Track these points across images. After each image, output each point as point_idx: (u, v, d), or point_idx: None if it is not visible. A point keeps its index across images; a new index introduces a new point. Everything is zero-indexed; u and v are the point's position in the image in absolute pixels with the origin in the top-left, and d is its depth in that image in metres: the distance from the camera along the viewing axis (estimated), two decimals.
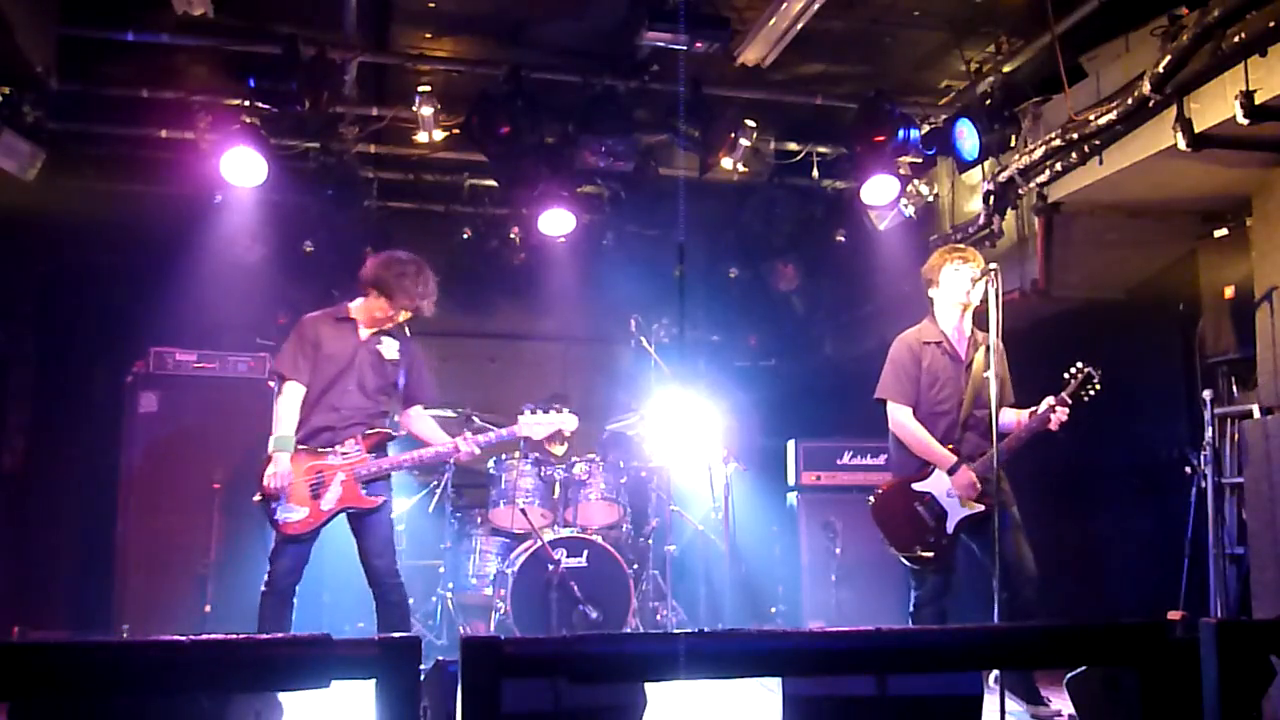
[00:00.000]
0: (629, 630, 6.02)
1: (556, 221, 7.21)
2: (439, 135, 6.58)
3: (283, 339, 5.05)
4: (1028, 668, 4.40)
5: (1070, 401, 4.60)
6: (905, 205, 7.05)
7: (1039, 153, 5.83)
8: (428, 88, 6.40)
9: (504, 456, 6.54)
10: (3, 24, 5.21)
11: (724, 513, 6.60)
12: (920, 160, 6.80)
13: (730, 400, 7.56)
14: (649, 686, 3.13)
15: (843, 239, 7.86)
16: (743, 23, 5.81)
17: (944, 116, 6.48)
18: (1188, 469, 5.70)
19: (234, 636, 2.06)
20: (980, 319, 4.66)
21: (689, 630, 2.84)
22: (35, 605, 6.87)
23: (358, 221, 7.45)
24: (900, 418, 4.82)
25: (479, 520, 6.64)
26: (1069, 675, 3.59)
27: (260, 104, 6.05)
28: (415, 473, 6.85)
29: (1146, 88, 4.95)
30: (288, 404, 4.79)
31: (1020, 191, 6.15)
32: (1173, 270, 6.38)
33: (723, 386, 7.82)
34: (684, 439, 6.73)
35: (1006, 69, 6.12)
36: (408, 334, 5.13)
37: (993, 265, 4.49)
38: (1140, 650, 2.31)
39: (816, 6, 5.41)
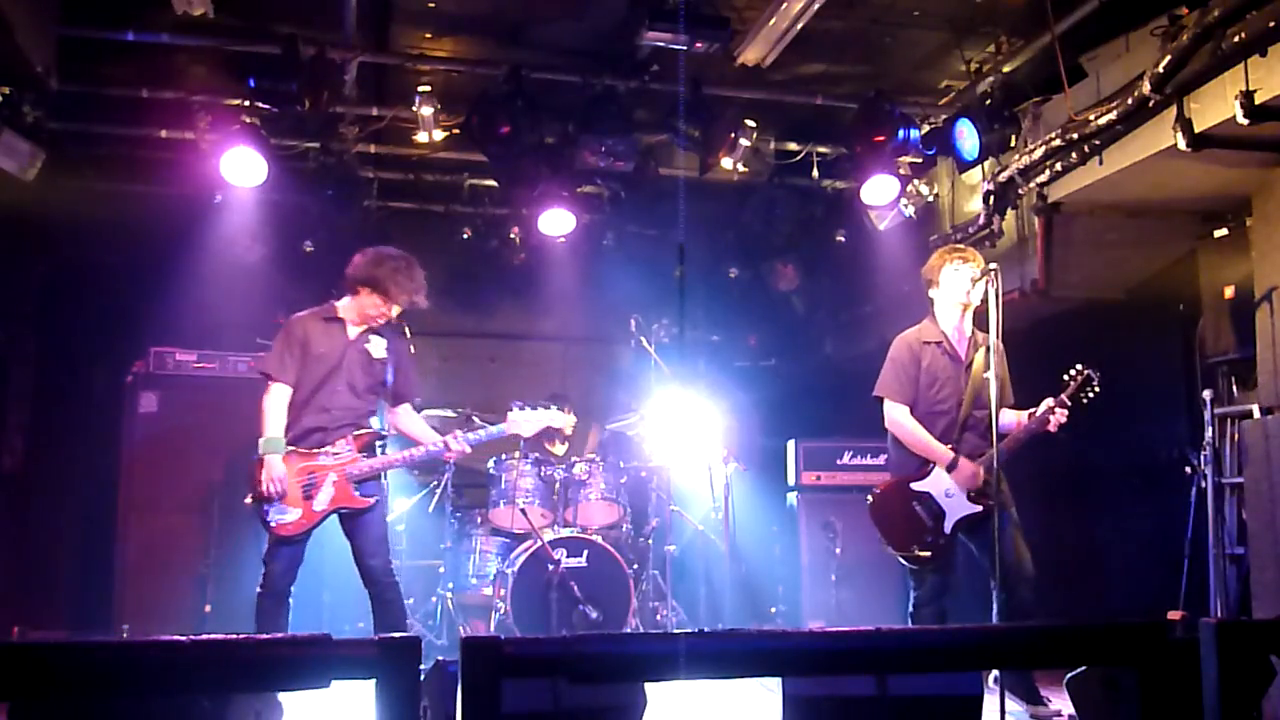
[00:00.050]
0: (629, 630, 6.02)
1: (556, 221, 7.22)
2: (439, 135, 6.58)
3: None
4: (1028, 668, 4.40)
5: (1069, 403, 4.60)
6: (905, 205, 7.06)
7: (1039, 153, 5.83)
8: (428, 88, 6.40)
9: (504, 456, 6.54)
10: (3, 24, 5.21)
11: (724, 513, 6.60)
12: (920, 160, 6.80)
13: (730, 400, 7.56)
14: (649, 686, 3.13)
15: (843, 239, 7.87)
16: (743, 23, 5.81)
17: (944, 116, 6.48)
18: (1188, 469, 5.70)
19: (234, 636, 2.06)
20: (980, 319, 4.66)
21: (689, 630, 2.84)
22: (35, 605, 6.87)
23: (358, 221, 7.45)
24: (896, 415, 4.82)
25: (479, 520, 6.64)
26: (1069, 675, 3.59)
27: (260, 104, 6.05)
28: (415, 473, 6.86)
29: (1146, 88, 4.94)
30: (275, 405, 4.77)
31: (1020, 191, 6.15)
32: (1173, 270, 6.38)
33: (723, 386, 7.82)
34: (684, 439, 6.73)
35: (1006, 69, 6.11)
36: (408, 335, 5.13)
37: (993, 265, 4.49)
38: (1140, 650, 2.31)
39: (816, 6, 5.41)
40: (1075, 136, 5.55)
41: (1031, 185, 6.05)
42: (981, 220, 6.32)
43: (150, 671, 1.94)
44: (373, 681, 1.98)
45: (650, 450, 6.89)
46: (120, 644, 2.28)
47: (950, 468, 4.67)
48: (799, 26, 5.62)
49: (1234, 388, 5.79)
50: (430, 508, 6.77)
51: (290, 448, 4.74)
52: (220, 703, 2.62)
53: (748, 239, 8.18)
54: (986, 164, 6.25)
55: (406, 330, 5.13)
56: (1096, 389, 4.59)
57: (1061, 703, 4.35)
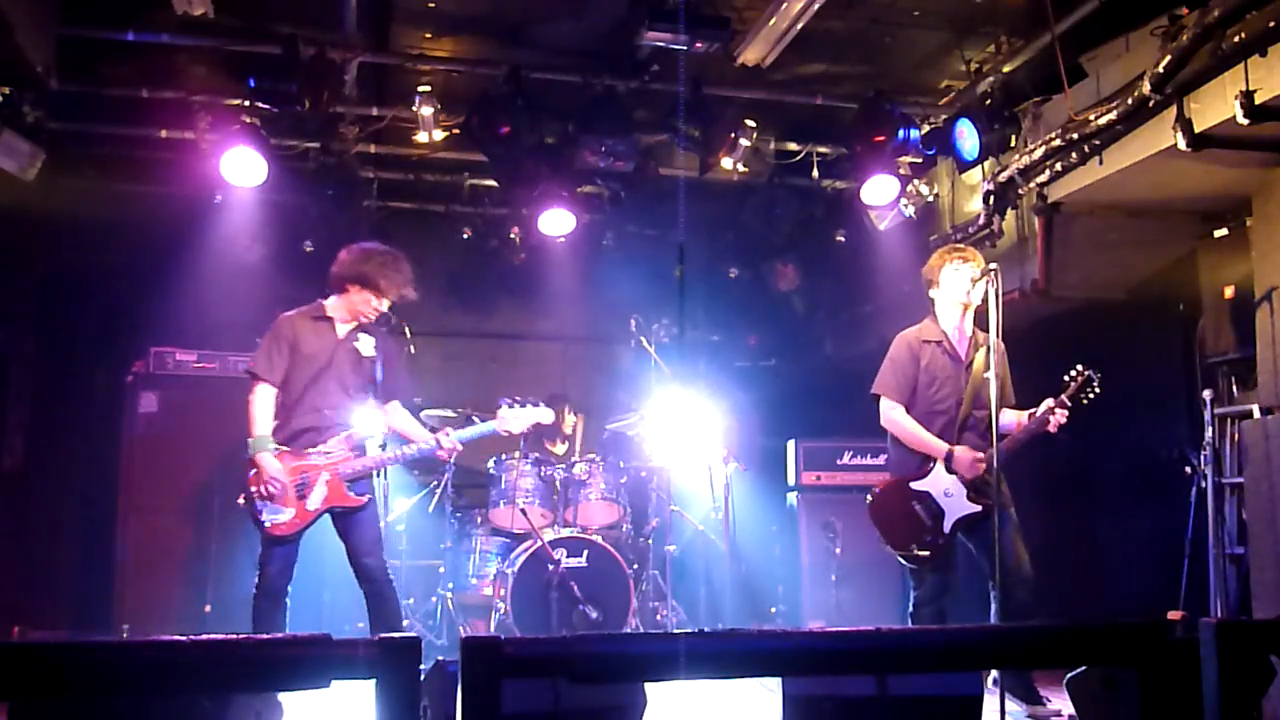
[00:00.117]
0: (629, 630, 6.02)
1: (556, 221, 7.22)
2: (439, 135, 6.58)
3: None
4: (1028, 668, 4.40)
5: (1070, 404, 4.60)
6: (905, 205, 7.05)
7: (1039, 153, 5.83)
8: (428, 88, 6.40)
9: (504, 456, 6.54)
10: (3, 24, 5.21)
11: (724, 513, 6.60)
12: (920, 160, 6.81)
13: (730, 400, 7.56)
14: (649, 686, 3.13)
15: (843, 239, 7.87)
16: (743, 23, 5.81)
17: (944, 116, 6.48)
18: (1188, 469, 5.70)
19: (234, 636, 2.06)
20: (980, 319, 4.66)
21: (689, 630, 2.84)
22: (35, 605, 6.87)
23: (358, 221, 7.45)
24: (892, 413, 4.82)
25: (479, 520, 6.64)
26: (1069, 675, 3.58)
27: (260, 104, 6.05)
28: (415, 473, 6.86)
29: (1146, 88, 4.94)
30: (262, 405, 4.76)
31: (1020, 191, 6.15)
32: (1173, 270, 6.38)
33: (723, 386, 7.82)
34: (684, 439, 6.73)
35: (1006, 69, 6.11)
36: (409, 334, 5.13)
37: (993, 265, 4.49)
38: (1140, 650, 2.31)
39: (816, 6, 5.40)
40: (1075, 136, 5.55)
41: (1031, 185, 6.05)
42: (981, 220, 6.32)
43: (150, 671, 1.94)
44: (373, 681, 1.98)
45: (650, 450, 6.89)
46: (120, 644, 2.28)
47: (947, 459, 4.66)
48: (799, 26, 5.62)
49: (1234, 388, 5.79)
50: (430, 508, 6.76)
51: (283, 447, 4.74)
52: (220, 703, 2.62)
53: (748, 239, 8.18)
54: (986, 164, 6.25)
55: (407, 330, 5.14)
56: (1097, 389, 4.58)
57: (1061, 703, 4.35)
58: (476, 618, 6.51)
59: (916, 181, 7.07)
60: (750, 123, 6.43)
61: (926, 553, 4.63)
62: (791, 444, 7.18)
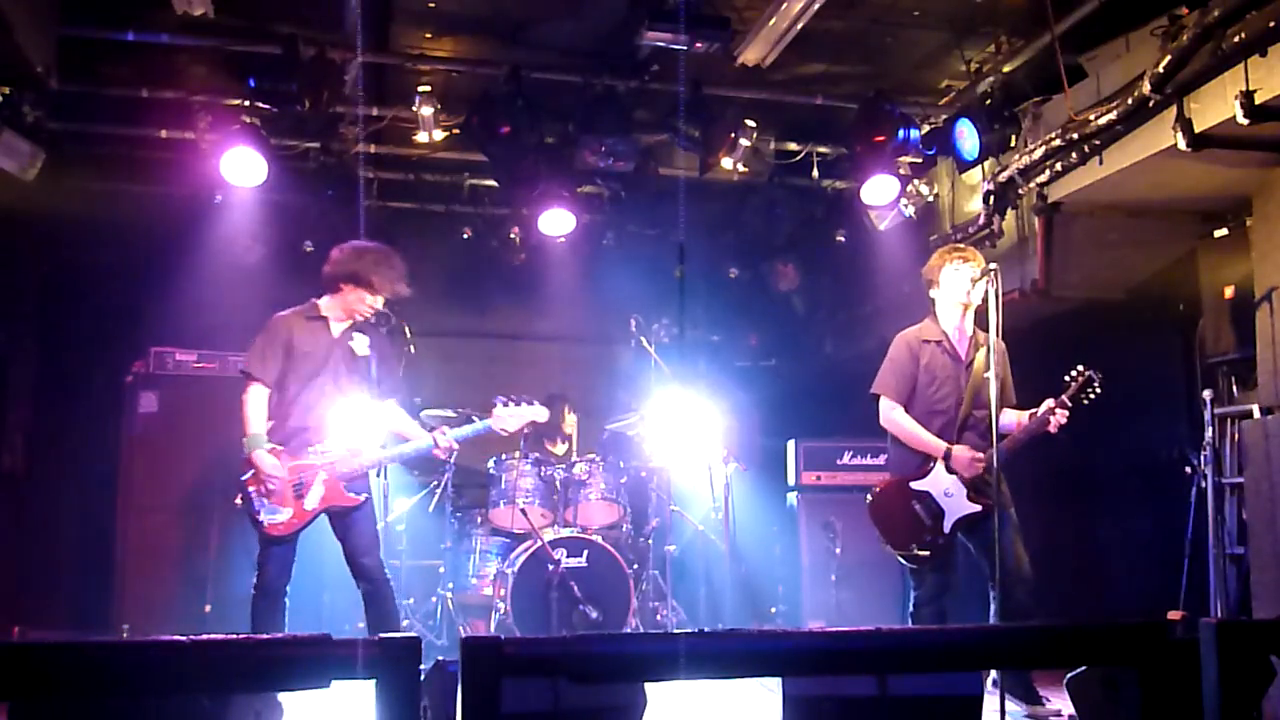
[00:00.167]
0: (629, 630, 6.02)
1: (556, 221, 7.22)
2: (439, 135, 6.58)
3: None
4: (1028, 668, 4.40)
5: (1070, 404, 4.59)
6: (905, 205, 7.05)
7: (1039, 153, 5.83)
8: (428, 88, 6.40)
9: (504, 456, 6.54)
10: (3, 24, 5.21)
11: (724, 513, 6.60)
12: (920, 160, 6.81)
13: (730, 400, 7.56)
14: (649, 686, 3.13)
15: (843, 239, 7.86)
16: (743, 23, 5.80)
17: (944, 116, 6.48)
18: (1188, 469, 5.70)
19: (234, 636, 2.06)
20: (981, 319, 4.66)
21: (689, 630, 2.84)
22: (35, 605, 6.87)
23: (358, 221, 7.44)
24: (891, 413, 4.82)
25: (479, 520, 6.64)
26: (1069, 675, 3.59)
27: (260, 104, 6.05)
28: (415, 473, 6.86)
29: (1146, 88, 4.95)
30: (256, 404, 4.75)
31: (1020, 191, 6.16)
32: (1173, 270, 6.38)
33: (723, 386, 7.82)
34: (684, 439, 6.73)
35: (1006, 69, 6.11)
36: (409, 334, 5.12)
37: (993, 265, 4.49)
38: (1140, 650, 2.31)
39: (816, 6, 5.40)
40: (1075, 136, 5.55)
41: (1031, 185, 6.05)
42: (981, 220, 6.32)
43: (150, 671, 1.94)
44: (373, 681, 1.98)
45: (650, 450, 6.89)
46: (120, 644, 2.29)
47: (946, 458, 4.66)
48: (799, 26, 5.62)
49: (1234, 388, 5.79)
50: (430, 508, 6.76)
51: (279, 447, 4.73)
52: (220, 703, 2.62)
53: (748, 239, 8.18)
54: (986, 164, 6.25)
55: (407, 330, 5.13)
56: (1098, 390, 4.58)
57: (1061, 703, 4.35)
58: (476, 618, 6.51)
59: (916, 181, 7.07)
60: (750, 123, 6.43)
61: (926, 553, 4.63)
62: (791, 444, 7.18)
